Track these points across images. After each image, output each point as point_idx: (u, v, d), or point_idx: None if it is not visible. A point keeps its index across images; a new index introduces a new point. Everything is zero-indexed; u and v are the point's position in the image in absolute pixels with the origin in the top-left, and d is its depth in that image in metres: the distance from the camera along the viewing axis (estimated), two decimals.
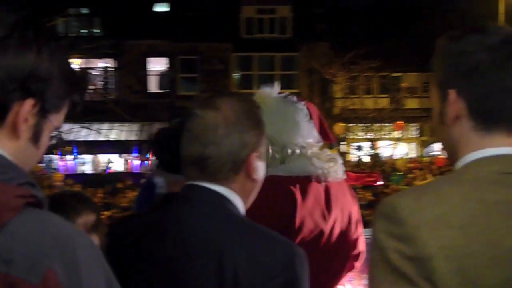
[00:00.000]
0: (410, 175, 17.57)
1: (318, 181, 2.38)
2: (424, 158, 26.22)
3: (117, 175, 20.78)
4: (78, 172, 24.30)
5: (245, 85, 27.84)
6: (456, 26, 1.36)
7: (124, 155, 25.72)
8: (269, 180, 2.33)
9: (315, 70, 24.61)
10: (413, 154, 29.45)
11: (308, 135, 2.43)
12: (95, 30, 27.09)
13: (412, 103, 27.46)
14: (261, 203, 2.28)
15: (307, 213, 2.29)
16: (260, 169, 1.66)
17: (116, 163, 26.17)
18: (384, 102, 26.65)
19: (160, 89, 27.91)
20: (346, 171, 2.58)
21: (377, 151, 25.48)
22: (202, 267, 1.49)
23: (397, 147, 29.28)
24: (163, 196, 2.69)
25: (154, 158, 2.59)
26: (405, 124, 26.04)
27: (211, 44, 27.22)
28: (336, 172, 2.45)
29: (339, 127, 18.42)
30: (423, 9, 25.00)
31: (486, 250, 1.14)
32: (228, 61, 28.14)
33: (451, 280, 1.13)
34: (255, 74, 28.23)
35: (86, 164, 26.23)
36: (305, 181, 2.36)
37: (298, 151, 2.38)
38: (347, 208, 2.42)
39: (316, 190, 2.36)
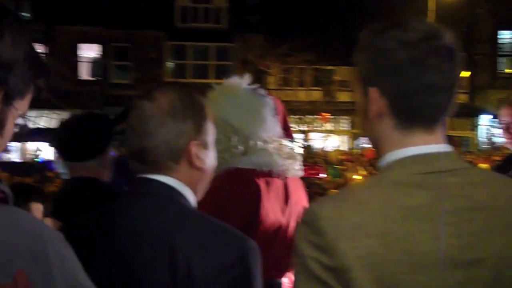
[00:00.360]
0: (341, 167, 17.82)
1: (278, 176, 2.40)
2: (355, 151, 26.71)
3: (47, 164, 20.24)
4: (4, 160, 23.57)
5: (179, 74, 27.66)
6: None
7: None
8: (234, 172, 2.34)
9: (250, 61, 24.65)
10: (344, 147, 29.96)
11: (271, 129, 2.44)
12: (24, 14, 26.25)
13: (344, 96, 27.85)
14: (226, 195, 2.28)
15: (270, 207, 2.30)
16: (205, 157, 1.65)
17: (45, 151, 25.53)
18: (317, 94, 26.98)
19: (92, 77, 27.36)
20: None
21: (310, 143, 25.76)
22: (155, 261, 1.48)
23: (329, 139, 29.73)
24: (66, 181, 2.73)
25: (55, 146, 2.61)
26: (334, 117, 26.48)
27: (145, 32, 26.87)
28: (295, 168, 2.46)
29: None
30: (357, 3, 25.37)
31: (404, 257, 1.15)
32: (162, 49, 27.85)
33: None
34: (189, 64, 28.07)
35: (13, 152, 25.46)
36: (267, 175, 2.37)
37: (260, 144, 2.38)
38: (300, 204, 2.45)
39: (276, 185, 2.38)
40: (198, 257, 1.46)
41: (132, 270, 1.50)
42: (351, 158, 20.93)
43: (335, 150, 23.43)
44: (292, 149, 2.50)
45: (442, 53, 1.26)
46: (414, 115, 1.28)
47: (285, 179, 2.42)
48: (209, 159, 1.67)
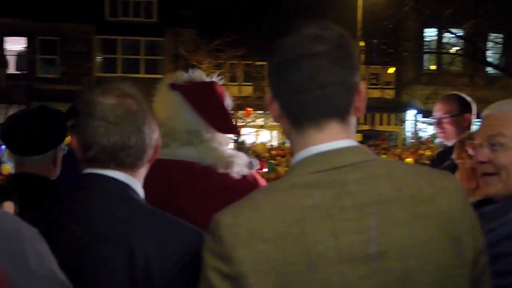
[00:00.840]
0: (274, 162, 17.97)
1: (221, 170, 2.34)
2: (286, 145, 26.96)
3: None
4: None
5: (108, 69, 27.22)
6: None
7: None
8: (153, 164, 2.32)
9: (181, 56, 24.50)
10: (275, 142, 30.18)
11: (188, 123, 2.40)
12: None
13: None
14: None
15: (188, 199, 2.27)
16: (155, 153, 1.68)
17: None
18: (248, 90, 27.06)
19: (18, 70, 26.57)
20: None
21: (241, 138, 25.84)
22: (113, 258, 1.47)
23: (260, 135, 29.89)
24: (13, 176, 2.66)
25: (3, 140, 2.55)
26: (265, 112, 26.62)
27: (74, 25, 26.32)
28: (238, 164, 2.39)
29: None
30: None
31: (301, 258, 1.17)
32: (91, 43, 27.34)
33: None
34: (119, 58, 27.66)
35: None
36: (202, 169, 2.33)
37: (203, 138, 2.36)
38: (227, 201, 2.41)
39: (210, 179, 2.33)
40: (156, 252, 1.47)
41: (89, 267, 1.49)
42: (282, 153, 21.14)
43: (261, 144, 23.55)
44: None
45: (317, 53, 1.28)
46: (299, 113, 1.31)
47: (229, 175, 2.35)
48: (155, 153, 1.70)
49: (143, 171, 1.65)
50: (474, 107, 3.61)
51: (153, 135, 1.60)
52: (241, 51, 22.97)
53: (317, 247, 1.18)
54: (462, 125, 3.53)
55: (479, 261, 1.29)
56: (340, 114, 1.31)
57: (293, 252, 1.17)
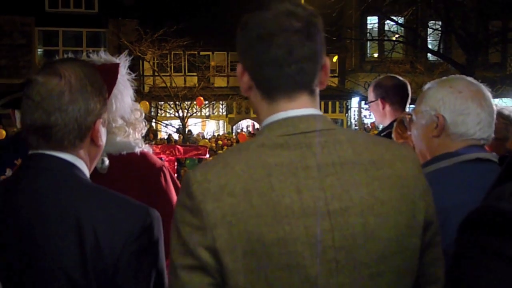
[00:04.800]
0: (220, 152, 17.99)
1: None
2: (231, 135, 27.01)
3: None
4: None
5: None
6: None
7: None
8: None
9: (124, 46, 24.19)
10: (221, 131, 30.19)
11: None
12: None
13: (220, 82, 28.04)
14: None
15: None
16: (104, 135, 1.67)
17: None
18: (193, 80, 26.93)
19: None
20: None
21: (187, 129, 25.72)
22: (62, 235, 1.47)
23: (206, 125, 29.85)
24: None
25: None
26: (210, 102, 26.61)
27: (12, 17, 25.62)
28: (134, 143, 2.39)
29: (144, 106, 18.22)
30: None
31: (268, 210, 1.25)
32: (31, 35, 26.69)
33: (233, 245, 1.24)
34: (60, 50, 27.09)
35: None
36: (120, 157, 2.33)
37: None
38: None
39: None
40: (104, 228, 1.48)
41: (38, 245, 1.47)
42: (228, 143, 21.18)
43: (204, 140, 23.44)
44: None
45: (294, 29, 1.36)
46: (272, 86, 1.39)
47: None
48: (105, 136, 1.70)
49: (85, 152, 1.62)
50: (397, 90, 3.72)
51: (87, 117, 1.57)
52: (184, 41, 22.78)
53: (283, 201, 1.26)
54: (380, 109, 3.70)
55: (430, 224, 1.40)
56: (310, 87, 1.41)
57: (260, 205, 1.25)
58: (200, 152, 10.43)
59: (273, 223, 1.24)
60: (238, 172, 1.29)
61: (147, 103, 18.43)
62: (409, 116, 2.19)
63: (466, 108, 1.99)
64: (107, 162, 2.29)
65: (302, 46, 1.36)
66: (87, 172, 1.63)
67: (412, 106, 2.44)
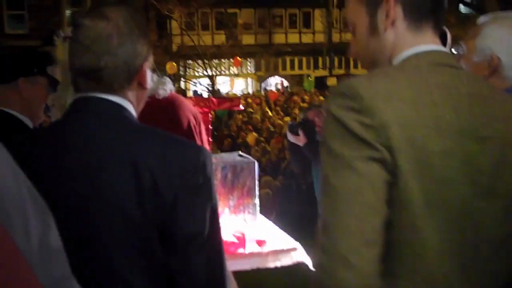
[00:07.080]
0: (249, 109, 17.94)
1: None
2: (260, 93, 26.93)
3: None
4: None
5: None
6: None
7: None
8: None
9: (152, 6, 24.10)
10: (250, 89, 30.12)
11: None
12: None
13: (248, 39, 27.88)
14: None
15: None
16: (150, 78, 1.69)
17: None
18: (221, 38, 26.80)
19: None
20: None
21: (216, 87, 25.74)
22: (118, 176, 1.49)
23: (235, 83, 29.80)
24: None
25: None
26: (242, 59, 26.50)
27: None
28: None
29: (171, 66, 18.16)
30: None
31: (432, 122, 1.27)
32: None
33: (405, 146, 1.24)
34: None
35: None
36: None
37: None
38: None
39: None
40: (160, 167, 1.50)
41: (95, 187, 1.50)
42: (258, 101, 21.11)
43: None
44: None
45: None
46: (423, 15, 1.41)
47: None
48: (151, 79, 1.71)
49: (133, 95, 1.64)
50: None
51: (135, 60, 1.59)
52: None
53: (444, 117, 1.28)
54: None
55: None
56: (441, 28, 1.46)
57: (426, 116, 1.26)
58: (234, 103, 10.38)
59: (436, 135, 1.26)
60: (402, 83, 1.30)
61: (174, 64, 18.44)
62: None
63: None
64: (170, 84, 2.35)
65: None
66: (135, 115, 1.64)
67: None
